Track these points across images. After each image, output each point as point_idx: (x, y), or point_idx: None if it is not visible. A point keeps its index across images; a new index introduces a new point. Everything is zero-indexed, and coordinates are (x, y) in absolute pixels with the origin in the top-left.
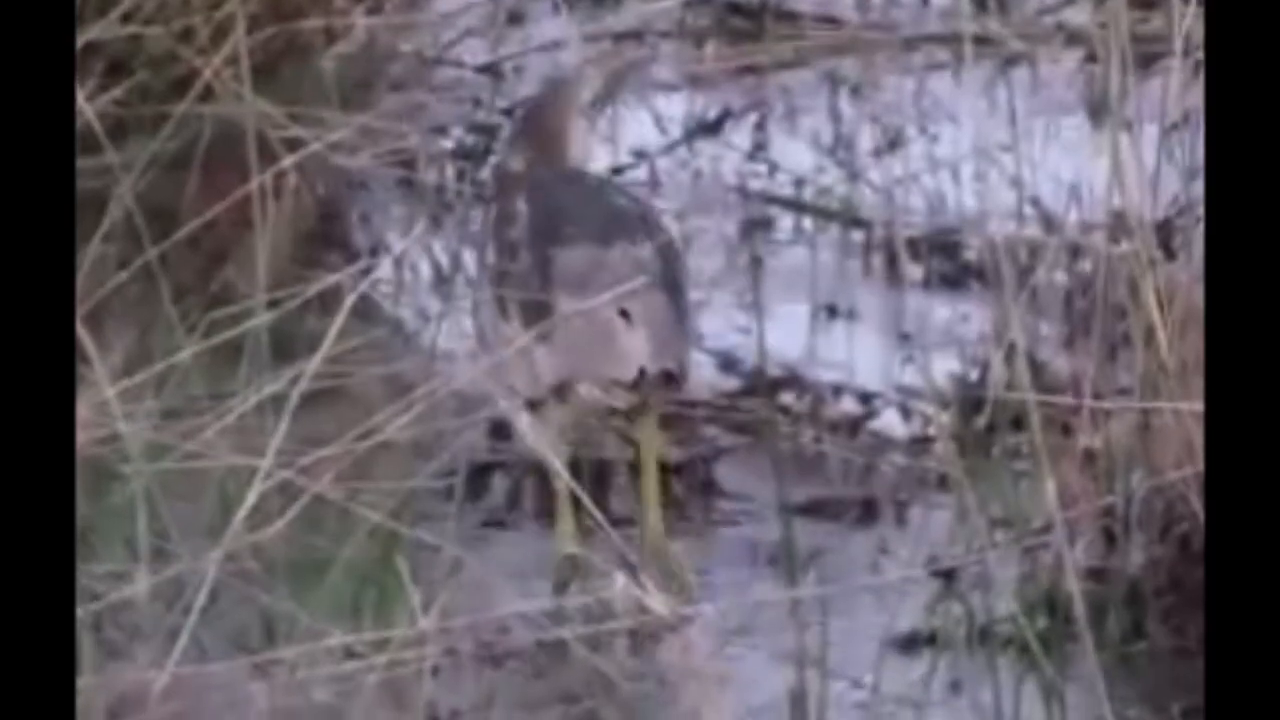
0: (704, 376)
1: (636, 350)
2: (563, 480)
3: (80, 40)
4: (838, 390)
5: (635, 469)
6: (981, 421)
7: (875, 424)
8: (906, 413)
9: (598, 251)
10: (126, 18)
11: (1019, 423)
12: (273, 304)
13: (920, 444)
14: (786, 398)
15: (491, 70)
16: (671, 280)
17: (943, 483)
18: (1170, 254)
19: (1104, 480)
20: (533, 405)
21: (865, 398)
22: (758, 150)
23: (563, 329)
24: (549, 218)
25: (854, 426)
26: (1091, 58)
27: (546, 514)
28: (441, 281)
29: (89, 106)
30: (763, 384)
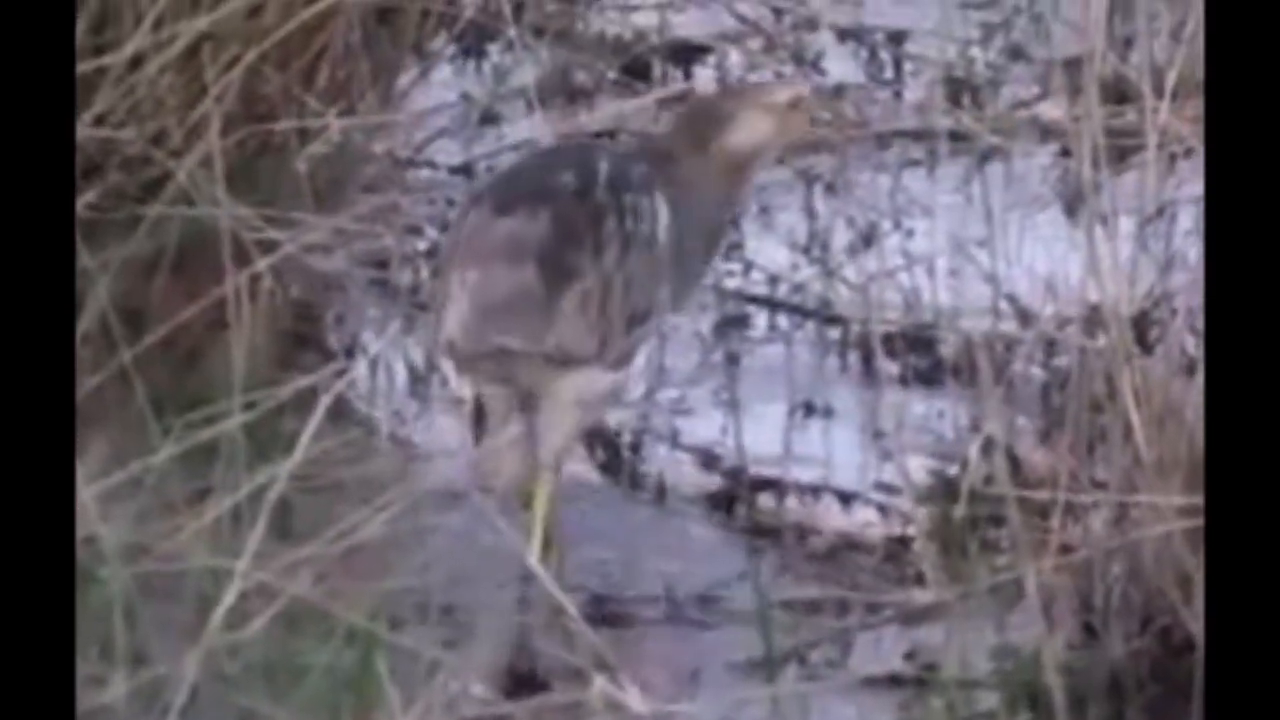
0: (685, 475)
1: (448, 321)
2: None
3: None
4: (816, 490)
5: None
6: (959, 517)
7: (854, 522)
8: (884, 511)
9: (492, 218)
10: (99, 120)
11: (997, 518)
12: (248, 405)
13: (898, 542)
14: (765, 499)
15: (465, 170)
16: (552, 258)
17: (920, 579)
18: (1147, 347)
19: (1083, 574)
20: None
21: (845, 497)
22: (733, 248)
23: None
24: (491, 181)
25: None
26: (1066, 152)
27: None
28: (416, 382)
29: None
30: (742, 484)
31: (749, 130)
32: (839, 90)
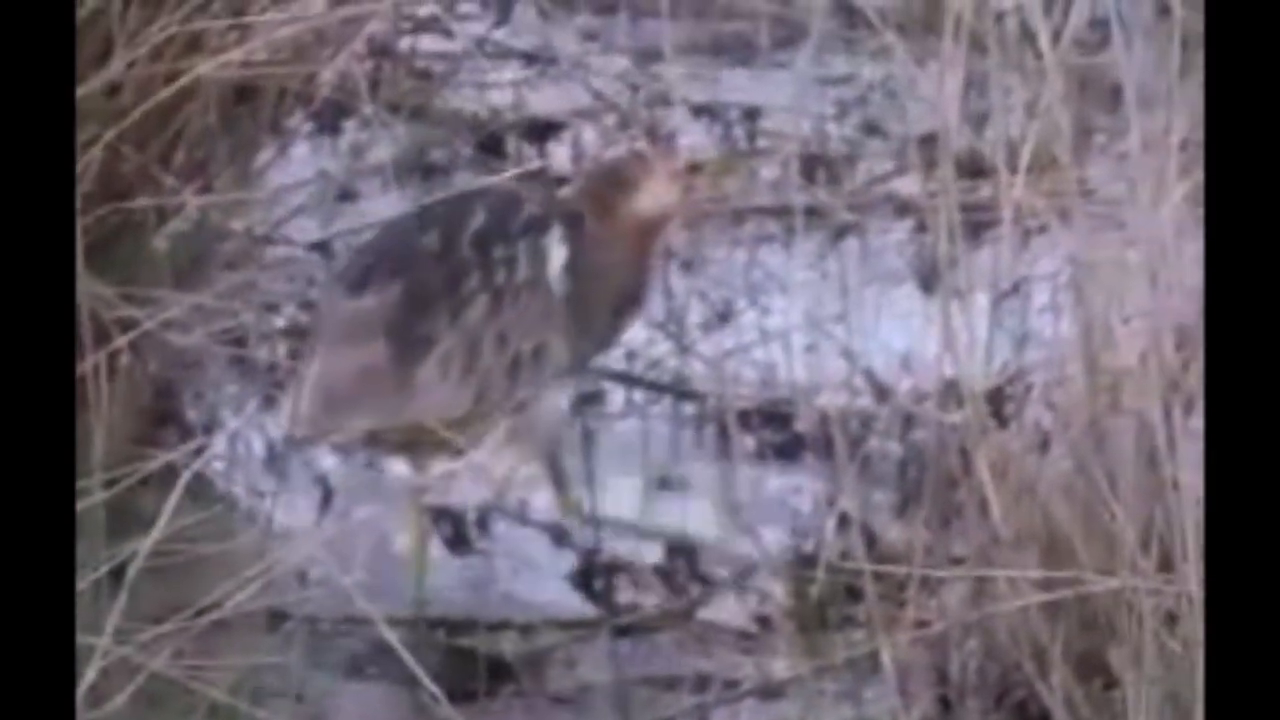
0: (540, 555)
1: (290, 413)
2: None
3: None
4: (669, 573)
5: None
6: (815, 592)
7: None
8: (742, 590)
9: (342, 299)
10: None
11: (853, 592)
12: (109, 483)
13: (756, 617)
14: (621, 581)
15: (323, 247)
16: (403, 331)
17: (778, 654)
18: (1002, 422)
19: (938, 648)
20: None
21: (704, 581)
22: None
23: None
24: (348, 260)
25: (690, 609)
26: (922, 227)
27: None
28: (274, 459)
29: None
30: (597, 565)
31: (654, 196)
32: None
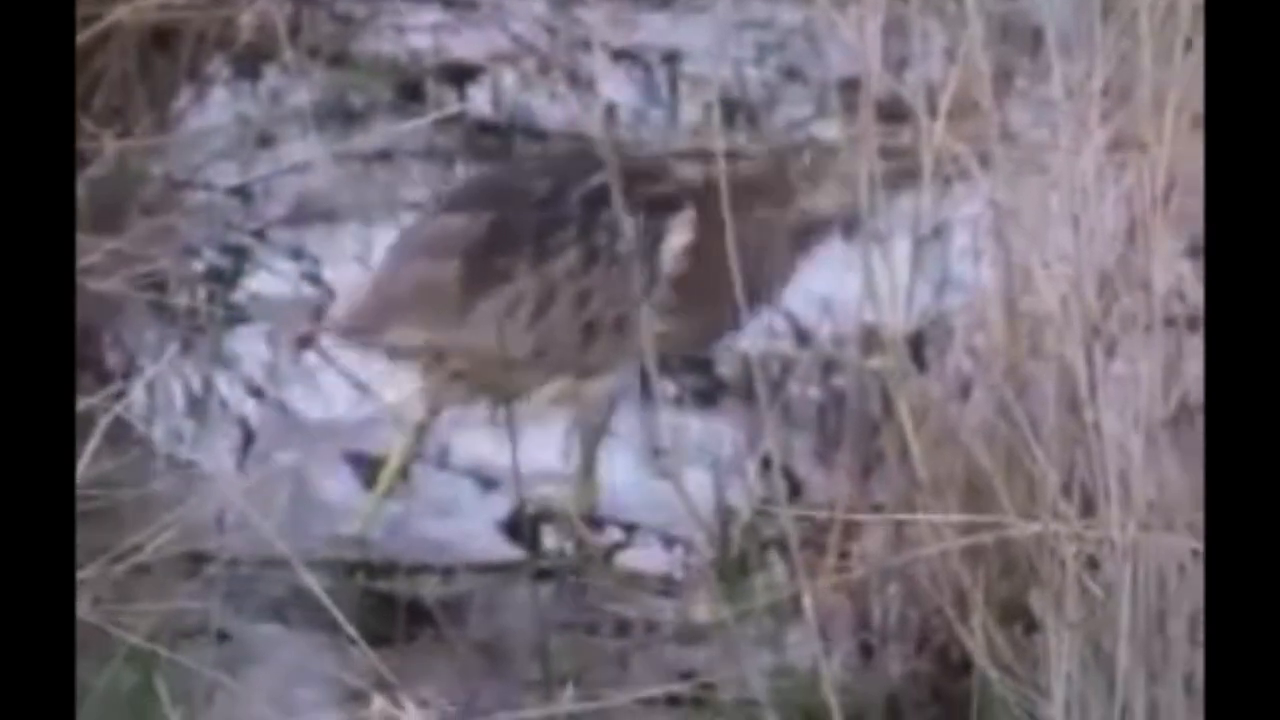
0: (464, 501)
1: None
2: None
3: None
4: (598, 521)
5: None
6: (736, 537)
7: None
8: (664, 532)
9: (434, 214)
10: None
11: (775, 538)
12: None
13: (677, 566)
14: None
15: (241, 192)
16: (480, 259)
17: (699, 599)
18: (923, 366)
19: (860, 594)
20: None
21: (626, 527)
22: None
23: None
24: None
25: (611, 554)
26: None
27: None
28: (194, 403)
29: None
30: (523, 515)
31: (830, 198)
32: (612, 110)
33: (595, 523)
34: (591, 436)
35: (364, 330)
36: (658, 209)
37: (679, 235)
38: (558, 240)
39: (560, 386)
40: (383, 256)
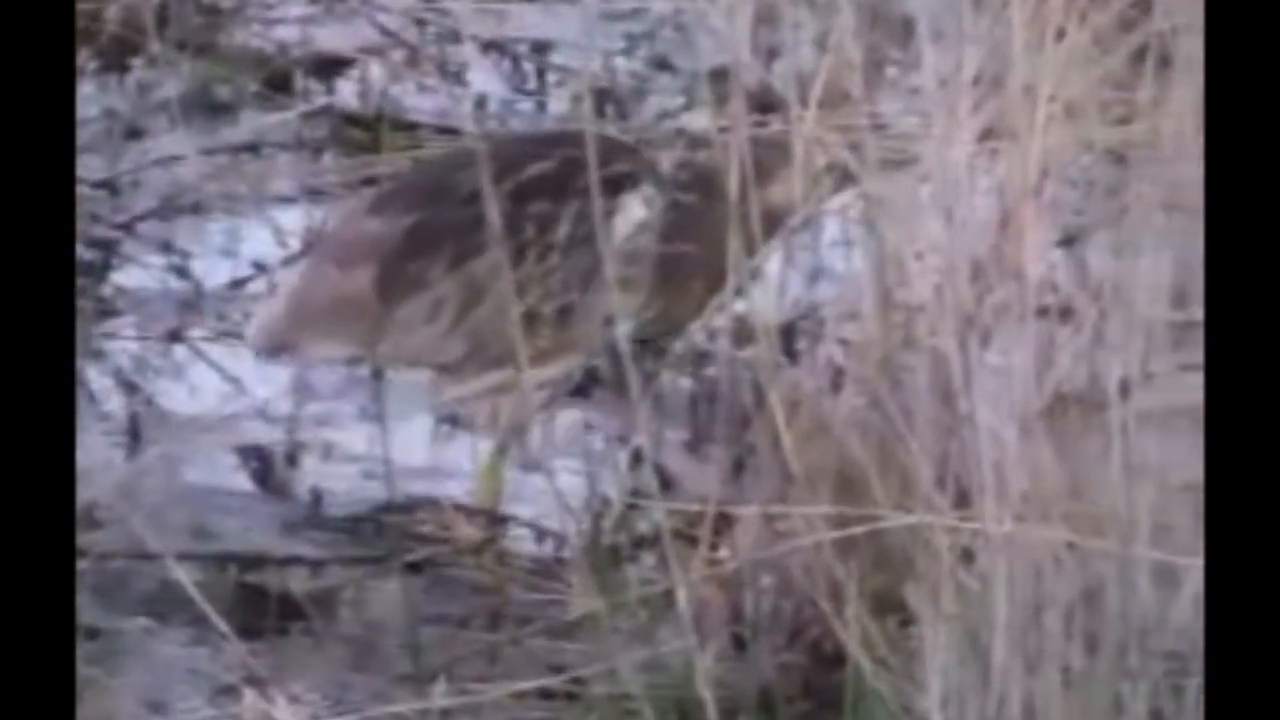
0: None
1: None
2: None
3: None
4: (471, 511)
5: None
6: (609, 529)
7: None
8: (535, 524)
9: (355, 219)
10: None
11: (647, 531)
12: None
13: (549, 555)
14: (419, 515)
15: (108, 185)
16: (396, 265)
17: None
18: (793, 357)
19: (732, 586)
20: None
21: (498, 518)
22: None
23: None
24: (396, 180)
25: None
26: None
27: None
28: None
29: None
30: (395, 502)
31: (788, 190)
32: (482, 101)
33: (469, 515)
34: (512, 431)
35: (280, 347)
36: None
37: (633, 215)
38: (482, 237)
39: (500, 379)
40: (300, 267)
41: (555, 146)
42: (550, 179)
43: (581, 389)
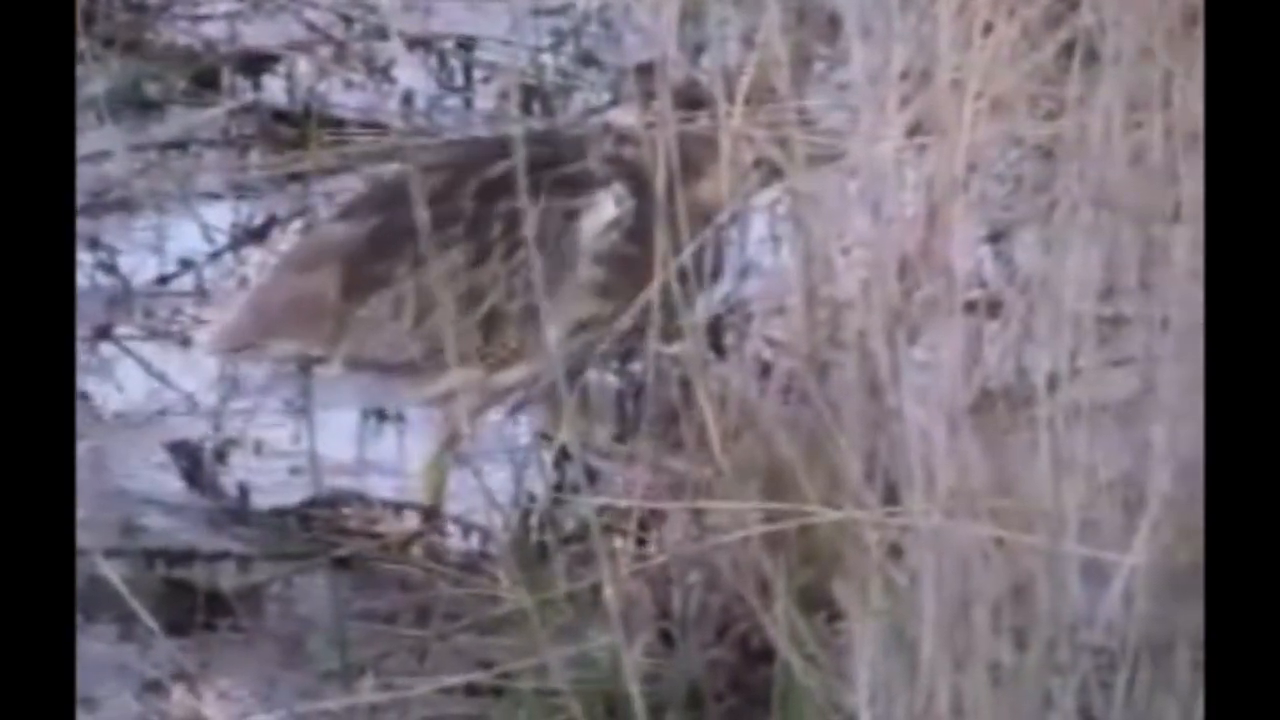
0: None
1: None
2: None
3: None
4: (399, 507)
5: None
6: (536, 525)
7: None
8: (462, 520)
9: (325, 223)
10: None
11: (575, 526)
12: None
13: (476, 551)
14: (347, 511)
15: None
16: (358, 265)
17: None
18: (721, 353)
19: (660, 582)
20: None
21: (426, 514)
22: None
23: None
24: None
25: (409, 542)
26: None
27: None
28: None
29: None
30: (322, 497)
31: (715, 186)
32: (409, 97)
33: (396, 509)
34: (459, 434)
35: (240, 347)
36: (569, 192)
37: (604, 213)
38: (444, 237)
39: (463, 378)
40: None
41: (523, 144)
42: (516, 177)
43: None
